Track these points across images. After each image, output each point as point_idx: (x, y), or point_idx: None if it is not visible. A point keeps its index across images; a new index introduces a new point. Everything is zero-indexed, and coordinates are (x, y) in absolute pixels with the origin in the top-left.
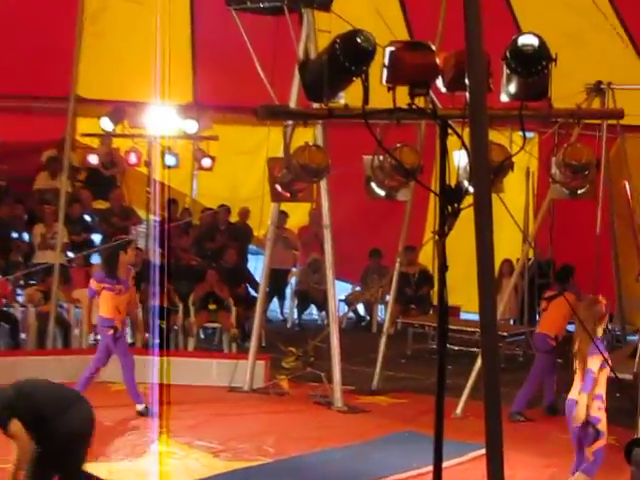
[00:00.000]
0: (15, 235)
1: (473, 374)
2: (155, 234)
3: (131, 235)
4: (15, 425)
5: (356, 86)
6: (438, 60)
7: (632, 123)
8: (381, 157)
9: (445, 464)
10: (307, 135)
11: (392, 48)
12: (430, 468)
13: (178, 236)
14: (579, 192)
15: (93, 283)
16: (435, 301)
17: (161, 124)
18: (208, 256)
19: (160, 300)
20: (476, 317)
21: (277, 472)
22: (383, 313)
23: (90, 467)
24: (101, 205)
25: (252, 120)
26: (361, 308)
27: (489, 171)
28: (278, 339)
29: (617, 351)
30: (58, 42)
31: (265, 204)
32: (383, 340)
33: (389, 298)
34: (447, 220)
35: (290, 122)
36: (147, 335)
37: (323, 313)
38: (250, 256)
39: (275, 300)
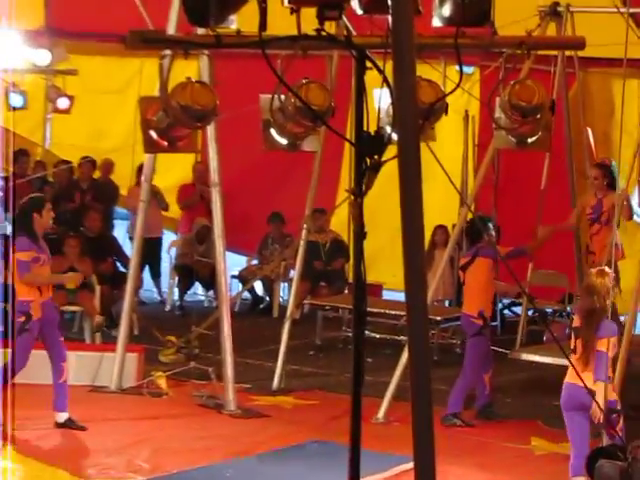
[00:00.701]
0: None
1: (398, 369)
2: None
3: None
4: None
5: (251, 7)
6: None
7: (595, 55)
8: (282, 97)
9: None
10: (190, 69)
11: None
12: None
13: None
14: (529, 141)
15: (21, 255)
16: (351, 277)
17: (3, 54)
18: (65, 222)
19: (4, 277)
20: (402, 297)
21: None
22: (286, 293)
23: None
24: None
25: (120, 50)
26: (259, 286)
27: (417, 115)
28: (154, 326)
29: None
30: None
31: (137, 155)
32: (286, 326)
33: (294, 274)
34: (365, 176)
35: (168, 52)
36: None
37: (211, 293)
38: (115, 222)
39: (149, 277)
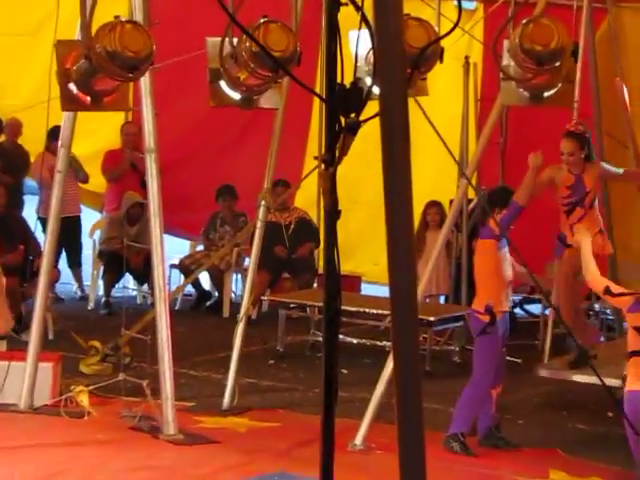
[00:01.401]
0: None
1: (381, 383)
2: None
3: None
4: None
5: None
6: None
7: None
8: (235, 40)
9: None
10: (119, 6)
11: None
12: None
13: None
14: (546, 95)
15: None
16: (321, 267)
17: None
18: None
19: None
20: (385, 292)
21: None
22: (239, 286)
23: None
24: None
25: None
26: (205, 279)
27: (405, 62)
28: (74, 328)
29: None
30: None
31: (52, 114)
32: (240, 329)
33: (249, 263)
34: (339, 140)
35: None
36: None
37: (145, 287)
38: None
39: (67, 268)
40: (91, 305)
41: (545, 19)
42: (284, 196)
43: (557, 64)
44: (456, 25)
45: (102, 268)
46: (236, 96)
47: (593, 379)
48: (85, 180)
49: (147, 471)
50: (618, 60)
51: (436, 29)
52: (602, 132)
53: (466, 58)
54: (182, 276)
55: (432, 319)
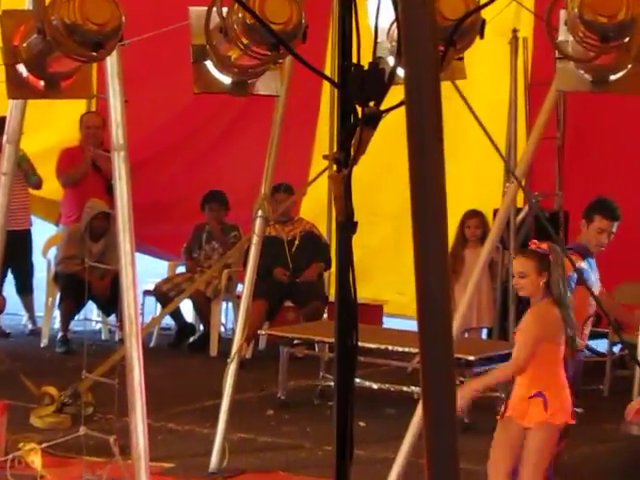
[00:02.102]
0: None
1: (407, 438)
2: None
3: None
4: None
5: None
6: None
7: None
8: (225, 10)
9: None
10: None
11: None
12: None
13: None
14: (612, 79)
15: None
16: (332, 294)
17: None
18: None
19: None
20: (413, 326)
21: None
22: (230, 318)
23: None
24: None
25: None
26: (188, 308)
27: (436, 38)
28: (23, 370)
29: None
30: None
31: None
32: (231, 370)
33: (242, 288)
34: (355, 135)
35: None
36: None
37: (112, 318)
38: None
39: (15, 294)
40: (44, 341)
41: None
42: (286, 205)
43: (626, 40)
44: None
45: (58, 295)
46: (226, 80)
47: None
48: (38, 185)
49: None
50: None
51: None
52: None
53: (513, 33)
54: (159, 305)
55: (472, 358)
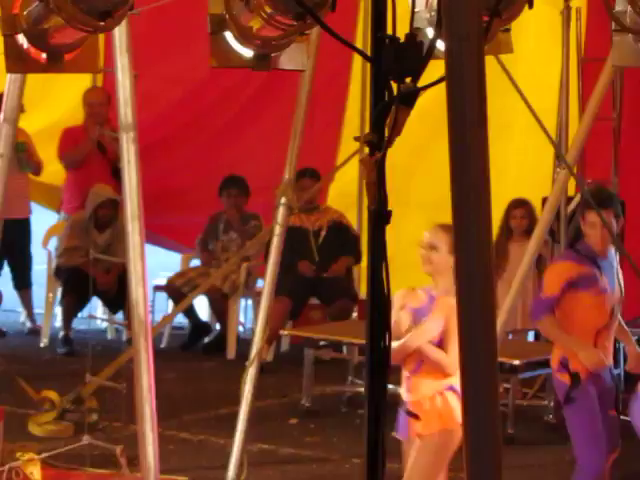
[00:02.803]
0: None
1: None
2: None
3: None
4: None
5: None
6: None
7: None
8: None
9: None
10: None
11: None
12: None
13: None
14: None
15: None
16: (363, 291)
17: None
18: None
19: None
20: None
21: None
22: (250, 317)
23: None
24: None
25: None
26: (203, 305)
27: (480, 7)
28: (20, 373)
29: None
30: None
31: None
32: (250, 375)
33: (262, 284)
34: (389, 114)
35: None
36: None
37: (119, 316)
38: None
39: (12, 289)
40: (45, 341)
41: None
42: (312, 192)
43: None
44: None
45: (60, 290)
46: (247, 53)
47: None
48: (36, 172)
49: None
50: None
51: None
52: None
53: (566, 2)
54: (170, 302)
55: (517, 363)
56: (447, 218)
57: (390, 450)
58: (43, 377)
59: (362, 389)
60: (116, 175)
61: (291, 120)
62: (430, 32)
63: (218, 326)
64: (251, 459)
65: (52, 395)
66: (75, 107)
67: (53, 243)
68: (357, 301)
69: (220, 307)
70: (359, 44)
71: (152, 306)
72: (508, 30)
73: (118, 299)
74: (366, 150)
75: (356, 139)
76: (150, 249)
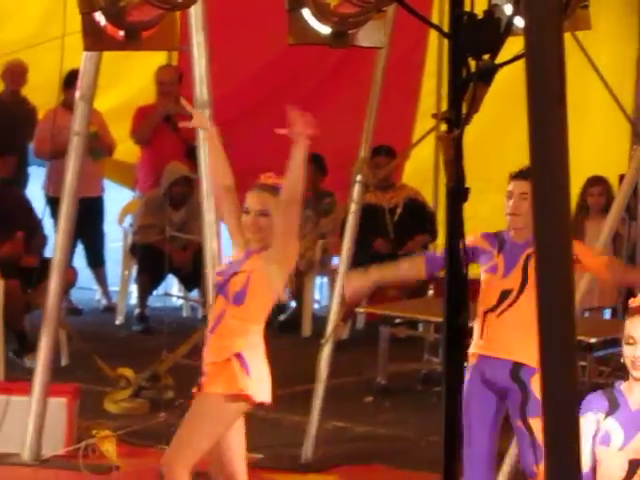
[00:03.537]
0: None
1: None
2: None
3: None
4: None
5: None
6: None
7: None
8: None
9: None
10: None
11: None
12: None
13: None
14: None
15: None
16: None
17: None
18: None
19: None
20: None
21: None
22: (325, 295)
23: None
24: None
25: None
26: None
27: None
28: (96, 350)
29: None
30: None
31: (70, 53)
32: (325, 353)
33: (338, 262)
34: (467, 91)
35: None
36: None
37: (195, 294)
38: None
39: (86, 267)
40: (120, 319)
41: None
42: (387, 169)
43: None
44: None
45: (135, 268)
46: (325, 30)
47: None
48: (109, 154)
49: None
50: None
51: None
52: None
53: None
54: None
55: (593, 341)
56: None
57: None
58: (119, 355)
59: (438, 367)
60: (190, 154)
61: (366, 98)
62: (508, 8)
63: (294, 304)
64: (326, 437)
65: (128, 372)
66: (148, 85)
67: (128, 220)
68: (434, 279)
69: (295, 284)
70: (435, 20)
71: None
72: (586, 6)
73: (194, 277)
74: (443, 127)
75: (433, 116)
76: (225, 227)
